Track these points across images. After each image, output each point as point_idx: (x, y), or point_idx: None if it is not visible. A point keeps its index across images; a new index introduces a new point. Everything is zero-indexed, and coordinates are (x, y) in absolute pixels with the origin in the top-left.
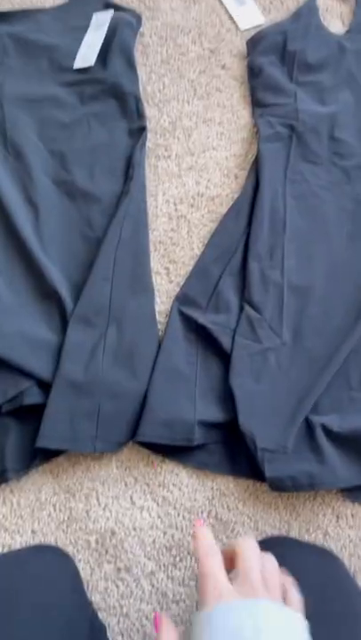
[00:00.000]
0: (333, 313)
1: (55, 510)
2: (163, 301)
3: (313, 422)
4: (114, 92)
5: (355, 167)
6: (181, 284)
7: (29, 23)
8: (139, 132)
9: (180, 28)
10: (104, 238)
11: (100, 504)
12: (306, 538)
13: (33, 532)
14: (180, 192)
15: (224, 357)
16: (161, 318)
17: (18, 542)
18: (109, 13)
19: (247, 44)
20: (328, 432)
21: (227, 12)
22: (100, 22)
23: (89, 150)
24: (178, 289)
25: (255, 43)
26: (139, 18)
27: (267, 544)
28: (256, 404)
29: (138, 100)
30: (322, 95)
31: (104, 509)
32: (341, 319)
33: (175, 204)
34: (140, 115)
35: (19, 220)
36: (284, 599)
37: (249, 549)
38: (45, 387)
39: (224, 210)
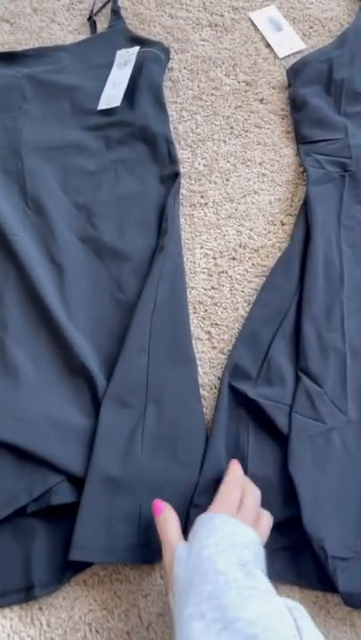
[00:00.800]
0: None
1: (91, 631)
2: (205, 372)
3: None
4: (143, 136)
5: None
6: (225, 350)
7: (48, 63)
8: (172, 178)
9: (211, 60)
10: (137, 303)
11: (142, 623)
12: None
13: None
14: (220, 244)
15: (280, 439)
16: (204, 392)
17: None
18: (135, 49)
19: (287, 73)
20: None
21: (263, 39)
22: (126, 59)
23: (117, 202)
24: (221, 356)
25: (297, 72)
26: (167, 51)
27: None
28: (322, 499)
29: (170, 143)
30: None
31: (147, 629)
32: None
33: (215, 258)
34: (173, 159)
35: (41, 283)
36: (255, 526)
37: (232, 477)
38: (77, 482)
39: (271, 263)
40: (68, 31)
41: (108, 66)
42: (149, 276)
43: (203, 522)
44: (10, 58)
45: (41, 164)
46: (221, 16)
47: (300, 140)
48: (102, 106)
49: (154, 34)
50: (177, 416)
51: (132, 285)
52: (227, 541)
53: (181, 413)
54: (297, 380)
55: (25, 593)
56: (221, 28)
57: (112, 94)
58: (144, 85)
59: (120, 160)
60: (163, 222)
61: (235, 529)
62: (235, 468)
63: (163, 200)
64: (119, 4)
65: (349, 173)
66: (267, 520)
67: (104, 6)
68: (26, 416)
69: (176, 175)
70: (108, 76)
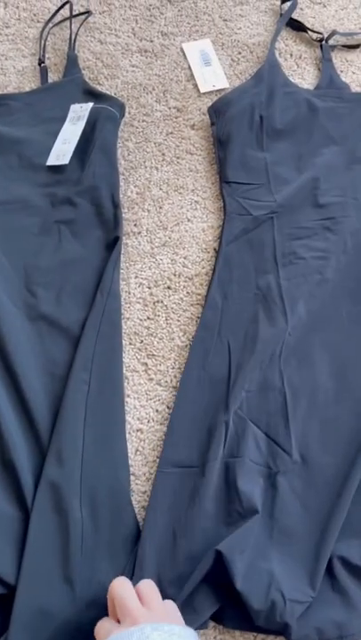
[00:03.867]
0: (343, 420)
1: None
2: (142, 404)
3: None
4: (90, 196)
5: (350, 226)
6: (163, 381)
7: None
8: (114, 242)
9: (142, 86)
10: (69, 384)
11: None
12: None
13: None
14: (155, 273)
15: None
16: (142, 425)
17: None
18: (89, 105)
19: (209, 111)
20: (349, 566)
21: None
22: (79, 114)
23: (58, 268)
24: (158, 387)
25: (218, 111)
26: (122, 107)
27: None
28: (273, 544)
29: (116, 207)
30: (298, 160)
31: None
32: (352, 428)
33: (150, 288)
34: (117, 224)
35: None
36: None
37: (119, 587)
38: None
39: (204, 291)
40: None
41: (61, 119)
42: (82, 354)
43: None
44: None
45: None
46: (151, 42)
47: (224, 179)
48: (51, 162)
49: (83, 59)
50: (111, 520)
51: (65, 358)
52: None
53: (114, 515)
54: (226, 427)
55: None
56: (151, 53)
57: (62, 150)
58: (96, 144)
59: (64, 221)
60: (97, 293)
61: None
62: (118, 581)
63: (105, 266)
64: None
65: (276, 215)
66: (171, 604)
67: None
68: None
69: (117, 240)
70: (59, 130)
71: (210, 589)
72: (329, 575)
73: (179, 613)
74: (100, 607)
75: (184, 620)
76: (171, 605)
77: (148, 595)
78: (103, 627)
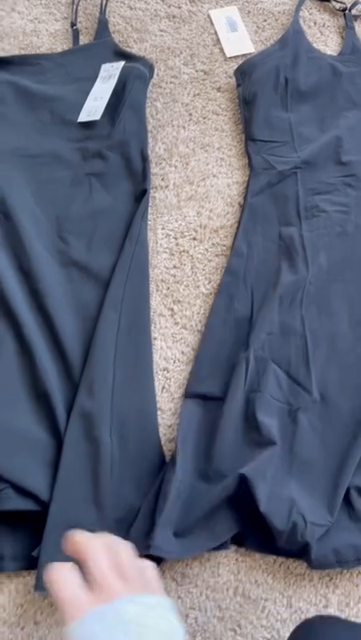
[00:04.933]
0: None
1: None
2: (169, 346)
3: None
4: (120, 151)
5: None
6: (188, 325)
7: (31, 71)
8: (142, 194)
9: (170, 49)
10: (100, 323)
11: None
12: (346, 613)
13: (36, 623)
14: (181, 225)
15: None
16: (168, 364)
17: (19, 636)
18: (120, 64)
19: (235, 73)
20: None
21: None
22: (110, 73)
23: (88, 217)
24: (184, 331)
25: (245, 73)
26: (151, 67)
27: (308, 629)
28: (292, 474)
29: (145, 161)
30: (321, 121)
31: None
32: None
33: (176, 239)
34: (145, 177)
35: (10, 291)
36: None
37: (95, 550)
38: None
39: (229, 242)
40: (28, 20)
41: (92, 79)
42: (112, 296)
43: (100, 617)
44: None
45: (15, 170)
46: (179, 8)
47: (249, 137)
48: (83, 118)
49: (113, 24)
50: (138, 448)
51: (95, 301)
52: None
53: (142, 443)
54: (247, 363)
55: None
56: (179, 19)
57: (93, 107)
58: (126, 102)
59: (95, 174)
60: (126, 241)
61: (92, 629)
62: (93, 540)
63: (133, 217)
64: None
65: (300, 170)
66: (151, 570)
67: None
68: None
69: (144, 192)
70: (90, 89)
71: (231, 513)
72: (346, 504)
73: (158, 579)
74: (125, 527)
75: (205, 542)
76: (150, 572)
77: (124, 562)
78: (66, 581)
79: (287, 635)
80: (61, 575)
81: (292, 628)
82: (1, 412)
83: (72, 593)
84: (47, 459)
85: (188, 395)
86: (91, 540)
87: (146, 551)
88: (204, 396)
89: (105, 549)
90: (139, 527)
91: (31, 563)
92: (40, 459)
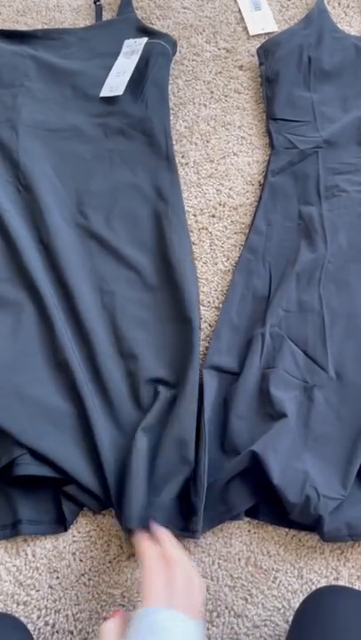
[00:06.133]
0: None
1: (75, 560)
2: None
3: None
4: (142, 128)
5: None
6: (205, 302)
7: (54, 46)
8: (166, 170)
9: (193, 27)
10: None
11: (124, 552)
12: (357, 586)
13: (50, 587)
14: (201, 202)
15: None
16: None
17: (34, 599)
18: (143, 40)
19: (258, 52)
20: None
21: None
22: (133, 49)
23: (108, 192)
24: (202, 307)
25: (268, 51)
26: (174, 44)
27: (318, 598)
28: (307, 449)
29: (168, 138)
30: (343, 101)
31: (129, 559)
32: None
33: (195, 215)
34: (170, 156)
35: (31, 262)
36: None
37: (150, 560)
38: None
39: (249, 220)
40: None
41: (114, 54)
42: None
43: (140, 618)
44: (17, 37)
45: (37, 143)
46: None
47: (271, 115)
48: (105, 93)
49: (136, 0)
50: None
51: (114, 275)
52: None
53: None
54: (263, 339)
55: (10, 529)
56: None
57: (116, 83)
58: (149, 78)
59: (116, 150)
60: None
61: (172, 624)
62: (146, 547)
63: (153, 194)
64: None
65: (321, 150)
66: (198, 593)
67: None
68: None
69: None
70: (113, 64)
71: (246, 487)
72: (360, 479)
73: (202, 601)
74: None
75: (221, 515)
76: (197, 594)
77: (176, 581)
78: (159, 571)
79: (297, 605)
80: (157, 565)
81: (302, 598)
82: (21, 380)
83: (158, 582)
84: (65, 426)
85: (206, 366)
86: (148, 552)
87: (181, 533)
88: (221, 369)
89: (161, 563)
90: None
91: (48, 527)
92: (58, 426)
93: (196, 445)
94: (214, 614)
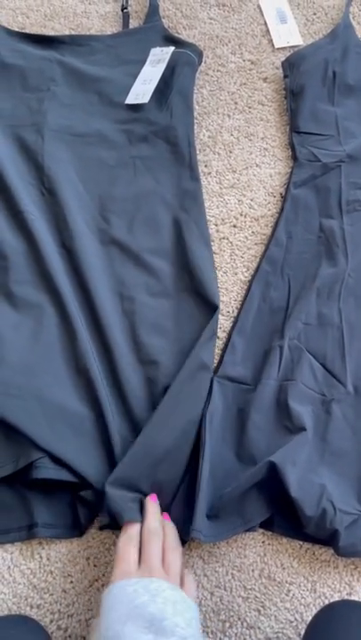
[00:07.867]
0: None
1: (89, 565)
2: None
3: None
4: (166, 136)
5: None
6: (225, 311)
7: (81, 52)
8: (190, 180)
9: (218, 38)
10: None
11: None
12: None
13: (64, 591)
14: (222, 212)
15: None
16: None
17: (48, 602)
18: (170, 49)
19: (283, 65)
20: None
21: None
22: (159, 57)
23: (131, 199)
24: (220, 316)
25: (293, 64)
26: (200, 54)
27: (330, 612)
28: (324, 462)
29: (192, 147)
30: None
31: None
32: None
33: (216, 225)
34: (193, 165)
35: (53, 266)
36: (182, 587)
37: (125, 538)
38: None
39: (269, 231)
40: (79, 0)
41: (141, 62)
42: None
43: (105, 598)
44: (45, 41)
45: (61, 147)
46: None
47: (294, 128)
48: (130, 100)
49: (163, 9)
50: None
51: (134, 281)
52: (128, 608)
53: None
54: (281, 351)
55: (26, 531)
56: (229, 8)
57: (141, 90)
58: (174, 87)
59: (140, 157)
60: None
61: (135, 588)
62: (128, 527)
63: (175, 202)
64: None
65: (344, 164)
66: (191, 582)
67: None
68: (18, 393)
69: (197, 181)
70: (139, 72)
71: (262, 498)
72: None
73: (194, 584)
74: None
75: (236, 526)
76: (188, 576)
77: (170, 559)
78: (130, 551)
79: (310, 619)
80: (130, 540)
81: (315, 612)
82: (41, 383)
83: (129, 558)
84: (83, 431)
85: (220, 375)
86: (152, 534)
87: (186, 536)
88: (235, 380)
89: (160, 542)
90: (178, 509)
91: (64, 532)
92: (76, 431)
93: (198, 450)
94: (227, 625)
